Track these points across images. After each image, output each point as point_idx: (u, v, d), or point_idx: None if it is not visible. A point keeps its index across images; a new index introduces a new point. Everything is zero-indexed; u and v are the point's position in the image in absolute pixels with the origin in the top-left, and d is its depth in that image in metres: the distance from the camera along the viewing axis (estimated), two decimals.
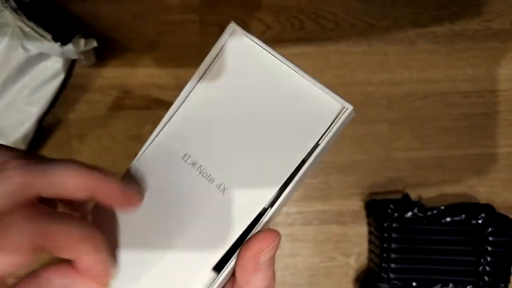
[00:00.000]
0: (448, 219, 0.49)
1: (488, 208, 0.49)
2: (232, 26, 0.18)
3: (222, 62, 0.18)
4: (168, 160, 0.18)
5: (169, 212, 0.18)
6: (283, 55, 0.18)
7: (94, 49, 0.48)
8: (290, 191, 0.17)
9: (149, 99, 0.50)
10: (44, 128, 0.50)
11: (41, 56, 0.47)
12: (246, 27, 0.50)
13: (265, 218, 0.17)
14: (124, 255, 0.17)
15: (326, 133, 0.17)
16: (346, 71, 0.52)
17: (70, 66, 0.50)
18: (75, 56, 0.47)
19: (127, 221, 0.18)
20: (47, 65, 0.48)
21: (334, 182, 0.52)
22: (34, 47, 0.46)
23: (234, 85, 0.18)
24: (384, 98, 0.52)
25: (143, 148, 0.19)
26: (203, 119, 0.18)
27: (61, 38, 0.45)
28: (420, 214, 0.49)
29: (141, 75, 0.51)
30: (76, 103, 0.51)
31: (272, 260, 0.17)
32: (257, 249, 0.16)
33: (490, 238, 0.48)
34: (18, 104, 0.48)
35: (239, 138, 0.18)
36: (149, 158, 0.18)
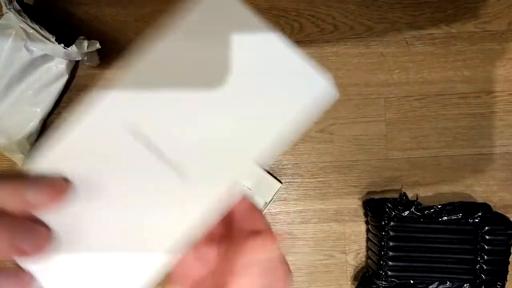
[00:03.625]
0: (445, 218, 0.49)
1: (484, 207, 0.49)
2: None
3: (194, 16, 0.16)
4: (112, 134, 0.15)
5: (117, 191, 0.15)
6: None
7: (97, 50, 0.48)
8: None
9: None
10: (48, 128, 0.51)
11: (45, 58, 0.47)
12: None
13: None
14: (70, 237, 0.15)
15: (303, 110, 0.15)
16: (344, 73, 0.53)
17: (74, 68, 0.50)
18: (78, 58, 0.47)
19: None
20: (50, 66, 0.48)
21: (333, 181, 0.53)
22: (38, 49, 0.46)
23: (205, 43, 0.15)
24: (382, 99, 0.53)
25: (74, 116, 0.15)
26: (160, 80, 0.15)
27: (65, 40, 0.45)
28: (417, 213, 0.49)
29: None
30: (79, 104, 0.51)
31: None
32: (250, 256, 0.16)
33: (487, 237, 0.49)
34: (22, 104, 0.48)
35: (205, 106, 0.15)
36: (88, 127, 0.15)
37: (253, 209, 0.17)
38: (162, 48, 0.16)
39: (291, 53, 0.16)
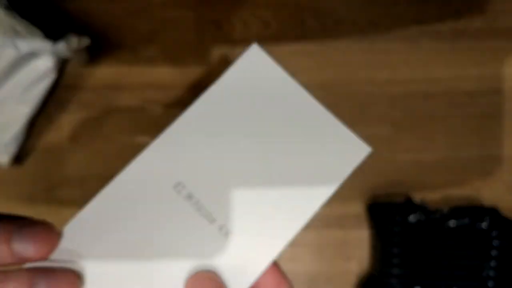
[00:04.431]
0: (452, 222, 0.48)
1: (492, 212, 0.49)
2: (255, 48, 0.17)
3: (234, 78, 0.16)
4: (156, 188, 0.15)
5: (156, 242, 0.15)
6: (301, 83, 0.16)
7: (87, 47, 0.47)
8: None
9: (144, 98, 0.50)
10: (36, 128, 0.50)
11: (33, 55, 0.46)
12: (243, 24, 0.50)
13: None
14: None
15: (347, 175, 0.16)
16: (347, 70, 0.52)
17: (62, 65, 0.49)
18: (67, 55, 0.46)
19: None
20: (38, 64, 0.47)
21: None
22: (25, 46, 0.45)
23: (246, 105, 0.16)
24: (386, 98, 0.52)
25: (120, 173, 0.16)
26: (203, 142, 0.16)
27: (53, 35, 0.44)
28: (423, 218, 0.48)
29: (135, 74, 0.50)
30: (68, 103, 0.50)
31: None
32: None
33: (495, 242, 0.48)
34: (8, 103, 0.47)
35: (247, 171, 0.16)
36: (125, 182, 0.15)
37: (282, 282, 0.17)
38: (205, 107, 0.16)
39: (331, 118, 0.16)
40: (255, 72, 0.16)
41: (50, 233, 0.15)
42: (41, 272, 0.14)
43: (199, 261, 0.15)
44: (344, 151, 0.16)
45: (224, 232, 0.15)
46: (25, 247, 0.14)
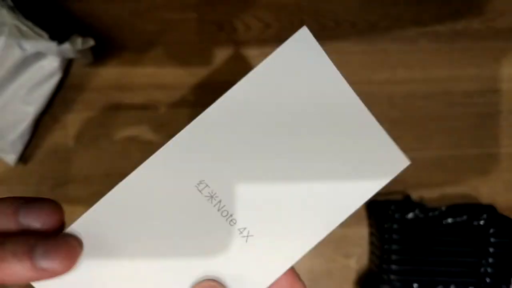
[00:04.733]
0: (449, 220, 0.48)
1: (490, 209, 0.49)
2: (304, 31, 0.15)
3: (272, 68, 0.14)
4: (177, 185, 0.14)
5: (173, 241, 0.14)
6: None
7: (92, 48, 0.47)
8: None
9: (148, 98, 0.50)
10: (41, 127, 0.50)
11: (38, 55, 0.46)
12: (245, 25, 0.50)
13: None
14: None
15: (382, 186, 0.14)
16: (346, 70, 0.51)
17: (67, 66, 0.49)
18: (72, 55, 0.46)
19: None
20: (43, 64, 0.47)
21: None
22: (30, 46, 0.45)
23: (281, 100, 0.14)
24: (385, 98, 0.52)
25: (138, 169, 0.14)
26: (229, 139, 0.14)
27: (58, 37, 0.44)
28: (422, 215, 0.48)
29: (139, 74, 0.50)
30: (73, 103, 0.50)
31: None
32: None
33: (492, 239, 0.48)
34: (14, 104, 0.47)
35: (277, 170, 0.14)
36: (143, 177, 0.14)
37: (295, 284, 0.16)
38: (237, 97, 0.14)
39: (374, 123, 0.15)
40: (297, 62, 0.14)
41: (56, 208, 0.15)
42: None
43: (214, 262, 0.14)
44: (382, 161, 0.15)
45: (244, 235, 0.14)
46: (32, 219, 0.14)
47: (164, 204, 0.14)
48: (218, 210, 0.14)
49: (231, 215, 0.14)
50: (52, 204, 0.15)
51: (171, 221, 0.14)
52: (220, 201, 0.14)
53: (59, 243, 0.14)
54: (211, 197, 0.14)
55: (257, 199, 0.14)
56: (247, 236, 0.14)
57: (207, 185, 0.14)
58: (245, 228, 0.14)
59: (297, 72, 0.14)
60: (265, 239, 0.14)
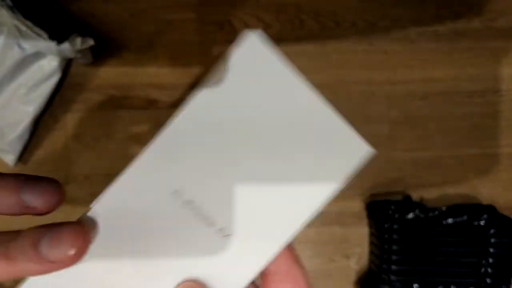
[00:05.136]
0: (449, 220, 0.48)
1: (490, 209, 0.49)
2: (252, 35, 0.16)
3: (230, 71, 0.15)
4: (152, 198, 0.15)
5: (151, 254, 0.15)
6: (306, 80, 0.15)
7: (91, 48, 0.47)
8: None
9: (147, 98, 0.50)
10: (41, 127, 0.50)
11: (38, 55, 0.47)
12: (245, 26, 0.50)
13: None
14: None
15: (347, 176, 0.15)
16: (346, 70, 0.52)
17: (67, 65, 0.49)
18: (71, 55, 0.46)
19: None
20: (43, 64, 0.47)
21: None
22: (30, 46, 0.45)
23: (244, 102, 0.15)
24: (385, 98, 0.52)
25: (114, 183, 0.15)
26: (199, 145, 0.15)
27: (58, 36, 0.44)
28: (422, 215, 0.48)
29: (138, 74, 0.50)
30: (73, 103, 0.50)
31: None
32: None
33: (492, 240, 0.48)
34: (14, 103, 0.47)
35: (247, 170, 0.15)
36: (123, 192, 0.15)
37: (293, 267, 0.16)
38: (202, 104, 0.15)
39: (334, 116, 0.15)
40: (252, 66, 0.15)
41: (57, 187, 0.15)
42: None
43: (195, 265, 0.15)
44: (345, 151, 0.15)
45: (223, 234, 0.15)
46: (34, 198, 0.14)
47: (143, 215, 0.15)
48: (194, 214, 0.15)
49: (207, 218, 0.15)
50: (54, 184, 0.15)
51: (150, 231, 0.15)
52: (195, 206, 0.15)
53: (65, 234, 0.14)
54: (187, 202, 0.15)
55: (231, 201, 0.15)
56: (226, 235, 0.15)
57: (181, 192, 0.15)
58: (222, 229, 0.15)
59: (251, 76, 0.15)
60: (242, 238, 0.15)
